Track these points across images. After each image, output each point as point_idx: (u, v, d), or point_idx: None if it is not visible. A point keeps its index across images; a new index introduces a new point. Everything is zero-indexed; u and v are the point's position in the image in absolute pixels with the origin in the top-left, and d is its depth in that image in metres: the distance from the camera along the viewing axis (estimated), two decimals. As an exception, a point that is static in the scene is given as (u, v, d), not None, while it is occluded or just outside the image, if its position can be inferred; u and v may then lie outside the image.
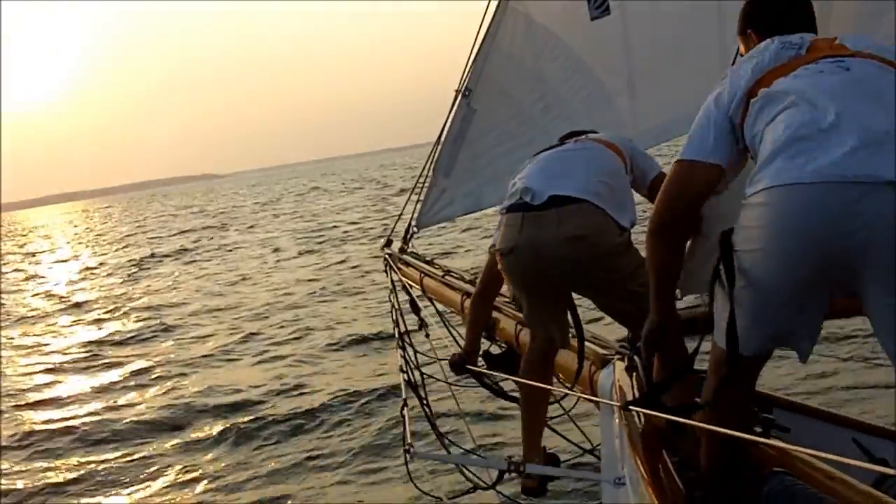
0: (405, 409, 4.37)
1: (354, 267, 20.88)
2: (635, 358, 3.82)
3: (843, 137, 2.46)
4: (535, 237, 3.90)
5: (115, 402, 11.34)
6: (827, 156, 2.45)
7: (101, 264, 33.05)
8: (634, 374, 3.76)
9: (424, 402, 5.20)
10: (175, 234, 41.58)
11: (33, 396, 12.11)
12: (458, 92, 6.51)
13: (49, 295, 25.09)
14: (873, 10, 3.78)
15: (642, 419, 3.14)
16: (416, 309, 5.84)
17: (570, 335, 4.45)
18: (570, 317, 4.31)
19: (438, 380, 5.30)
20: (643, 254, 3.26)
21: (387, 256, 6.66)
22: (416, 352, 5.44)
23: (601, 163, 4.07)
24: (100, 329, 17.45)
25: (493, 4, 6.31)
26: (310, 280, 19.88)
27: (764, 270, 2.58)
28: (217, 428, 9.64)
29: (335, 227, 33.14)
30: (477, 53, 6.43)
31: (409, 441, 3.88)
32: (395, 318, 5.72)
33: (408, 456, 3.79)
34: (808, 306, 2.61)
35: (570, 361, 4.32)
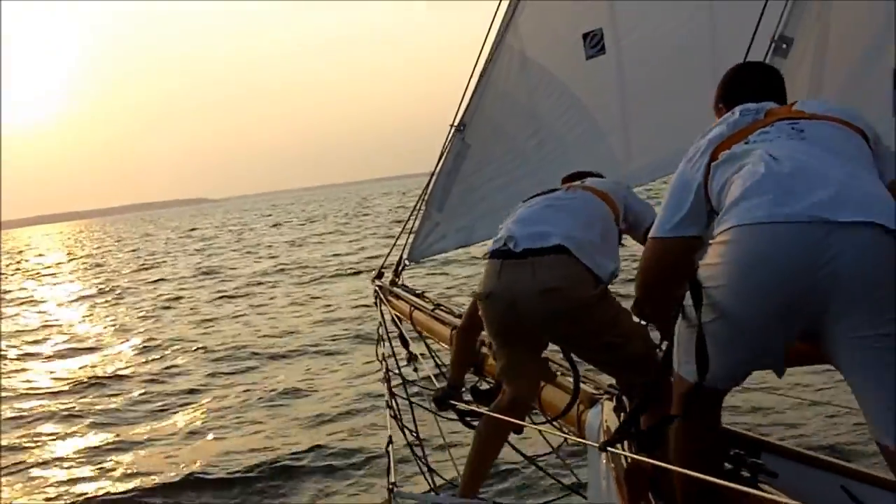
0: (390, 445, 4.33)
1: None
2: (624, 399, 3.82)
3: (806, 184, 2.59)
4: (511, 286, 3.91)
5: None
6: (792, 199, 2.56)
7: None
8: (622, 414, 3.75)
9: (413, 433, 5.18)
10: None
11: None
12: (453, 126, 6.54)
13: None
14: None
15: (628, 460, 3.12)
16: (404, 342, 5.81)
17: (559, 373, 4.45)
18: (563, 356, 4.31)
19: (426, 408, 5.25)
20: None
21: (377, 288, 6.65)
22: (404, 381, 5.40)
23: (589, 213, 4.09)
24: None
25: (490, 40, 6.34)
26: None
27: (731, 305, 2.65)
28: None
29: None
30: (474, 89, 6.46)
31: (392, 480, 3.86)
32: (382, 350, 5.68)
33: (391, 495, 3.76)
34: (771, 342, 2.68)
35: (557, 398, 4.30)
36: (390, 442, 4.41)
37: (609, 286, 3.97)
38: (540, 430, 4.10)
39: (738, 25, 4.24)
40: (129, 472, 9.01)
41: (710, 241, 2.74)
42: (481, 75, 6.46)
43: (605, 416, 3.79)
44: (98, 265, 43.66)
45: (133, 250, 52.81)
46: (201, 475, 8.55)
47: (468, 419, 4.69)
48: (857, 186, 2.61)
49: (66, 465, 9.55)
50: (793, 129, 2.86)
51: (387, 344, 5.80)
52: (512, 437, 4.98)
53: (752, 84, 3.24)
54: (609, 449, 2.95)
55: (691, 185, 2.95)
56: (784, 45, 3.77)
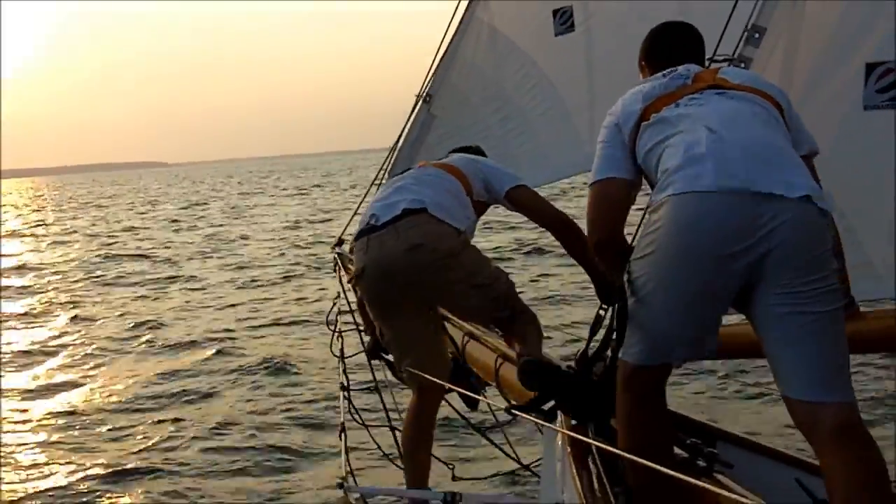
0: (344, 434, 4.29)
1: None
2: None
3: (735, 154, 2.72)
4: (379, 255, 4.11)
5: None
6: (723, 169, 2.69)
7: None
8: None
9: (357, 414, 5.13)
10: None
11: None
12: (419, 97, 6.49)
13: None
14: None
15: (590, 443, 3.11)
16: (362, 309, 5.77)
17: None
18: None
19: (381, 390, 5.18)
20: None
21: (336, 255, 6.59)
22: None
23: (440, 183, 4.32)
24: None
25: (459, 13, 6.28)
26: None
27: (668, 270, 2.77)
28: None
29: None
30: (440, 60, 6.40)
31: (344, 472, 3.83)
32: (336, 321, 5.59)
33: (342, 490, 3.74)
34: (706, 309, 2.81)
35: (516, 378, 4.29)
36: (343, 430, 4.37)
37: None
38: (489, 405, 4.09)
39: (711, 12, 4.22)
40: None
41: (648, 211, 2.85)
42: (449, 47, 6.41)
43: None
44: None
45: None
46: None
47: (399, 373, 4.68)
48: (787, 158, 2.78)
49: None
50: (721, 98, 2.97)
51: (339, 315, 5.70)
52: (467, 411, 4.99)
53: (675, 44, 3.35)
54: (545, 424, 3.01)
55: (623, 136, 3.06)
56: (756, 35, 3.75)
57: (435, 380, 4.07)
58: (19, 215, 54.98)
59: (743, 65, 3.77)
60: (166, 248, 26.57)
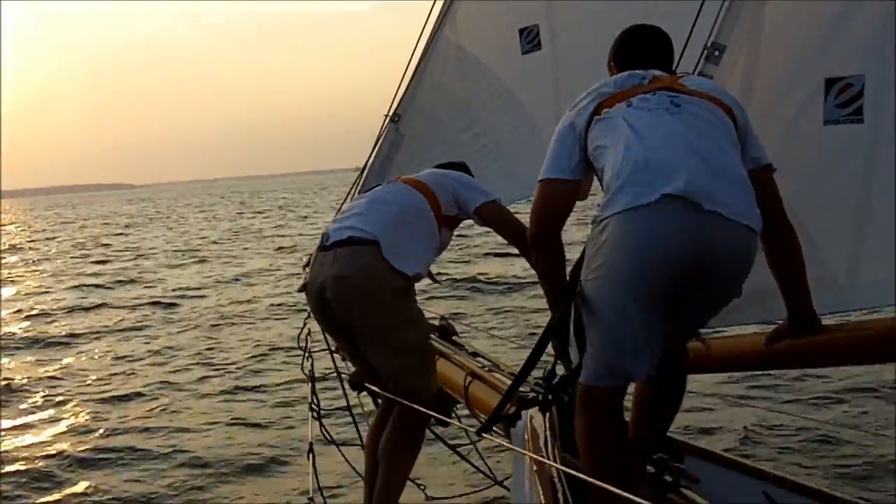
0: (312, 455, 4.27)
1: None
2: (550, 398, 3.83)
3: (680, 170, 2.80)
4: (317, 276, 4.15)
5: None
6: (668, 185, 2.77)
7: None
8: (548, 414, 3.77)
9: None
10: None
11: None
12: (387, 117, 6.50)
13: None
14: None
15: (555, 463, 3.13)
16: None
17: (486, 369, 4.46)
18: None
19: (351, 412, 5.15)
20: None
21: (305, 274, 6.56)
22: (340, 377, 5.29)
23: (401, 204, 4.30)
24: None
25: (427, 32, 6.31)
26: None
27: (613, 293, 2.87)
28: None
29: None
30: (410, 80, 6.42)
31: (312, 493, 3.81)
32: (307, 341, 5.58)
33: None
34: (650, 327, 2.90)
35: (488, 396, 4.30)
36: (311, 450, 4.35)
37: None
38: (465, 428, 4.10)
39: (674, 28, 4.26)
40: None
41: (594, 227, 2.95)
42: (417, 66, 6.43)
43: (530, 415, 3.80)
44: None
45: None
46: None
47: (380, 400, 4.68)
48: (727, 172, 2.87)
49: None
50: (671, 103, 3.05)
51: (309, 335, 5.68)
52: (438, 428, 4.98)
53: (643, 48, 3.47)
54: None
55: (574, 133, 3.19)
56: (716, 52, 3.79)
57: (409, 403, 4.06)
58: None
59: None
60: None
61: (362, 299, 4.05)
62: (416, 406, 3.90)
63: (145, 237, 40.82)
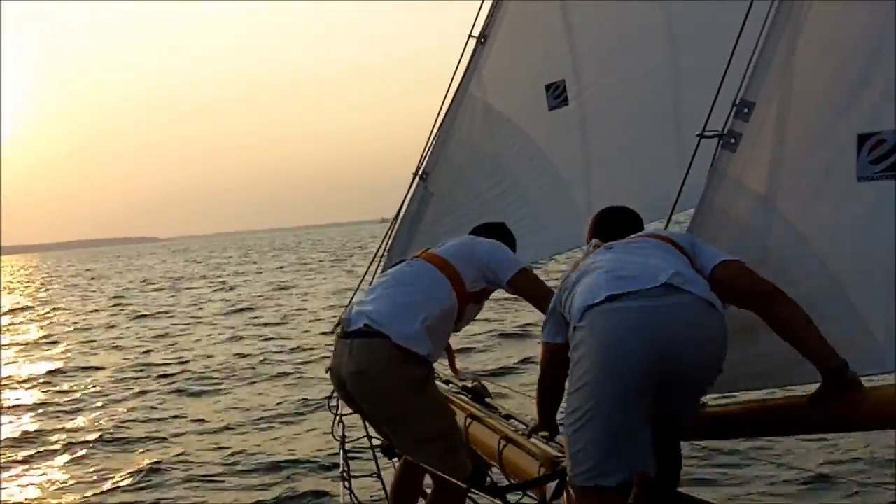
0: None
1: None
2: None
3: (635, 281, 3.22)
4: (337, 365, 4.22)
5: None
6: (635, 289, 3.20)
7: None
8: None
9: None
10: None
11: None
12: (415, 175, 6.50)
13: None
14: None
15: None
16: None
17: (521, 433, 4.39)
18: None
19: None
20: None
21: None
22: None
23: (421, 291, 4.29)
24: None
25: (453, 89, 6.32)
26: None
27: (595, 389, 3.11)
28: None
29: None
30: (436, 137, 6.43)
31: None
32: (338, 404, 5.51)
33: None
34: (639, 423, 3.11)
35: (522, 460, 4.23)
36: None
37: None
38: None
39: (701, 83, 4.24)
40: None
41: (570, 349, 3.28)
42: (443, 123, 6.43)
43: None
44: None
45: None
46: None
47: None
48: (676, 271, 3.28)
49: None
50: (626, 245, 3.60)
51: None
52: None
53: (613, 224, 4.05)
54: None
55: (559, 302, 3.55)
56: (745, 110, 3.74)
57: (452, 479, 4.01)
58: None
59: (733, 140, 3.77)
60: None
61: (380, 394, 4.11)
62: (447, 478, 3.94)
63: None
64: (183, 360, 18.43)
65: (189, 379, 16.01)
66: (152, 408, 13.71)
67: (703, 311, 3.19)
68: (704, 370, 3.25)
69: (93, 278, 65.25)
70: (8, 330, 28.80)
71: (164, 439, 11.50)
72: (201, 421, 12.41)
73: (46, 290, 55.67)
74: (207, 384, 15.30)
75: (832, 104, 3.64)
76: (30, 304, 41.89)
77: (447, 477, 3.95)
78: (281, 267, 55.34)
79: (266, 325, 23.89)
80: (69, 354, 21.19)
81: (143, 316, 29.42)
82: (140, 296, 40.62)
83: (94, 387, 16.04)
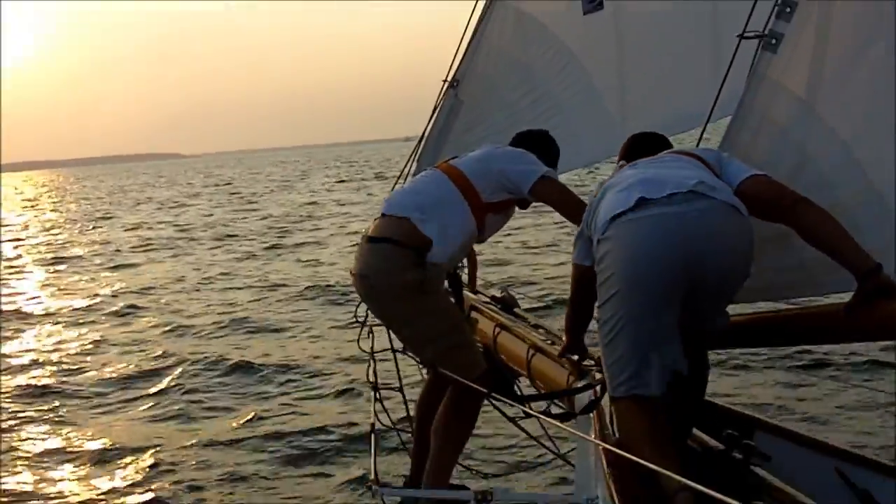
0: (374, 436, 4.24)
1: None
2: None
3: (657, 188, 3.18)
4: (354, 266, 4.39)
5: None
6: (659, 196, 3.15)
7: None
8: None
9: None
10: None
11: None
12: (445, 82, 6.38)
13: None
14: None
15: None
16: None
17: (549, 342, 4.37)
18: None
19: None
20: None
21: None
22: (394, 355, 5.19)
23: (432, 199, 4.33)
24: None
25: (484, -5, 6.18)
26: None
27: (624, 299, 3.10)
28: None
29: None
30: (467, 44, 6.29)
31: (373, 475, 3.78)
32: (366, 315, 5.48)
33: (371, 493, 3.71)
34: (670, 329, 3.10)
35: (551, 369, 4.21)
36: (373, 431, 4.32)
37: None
38: (525, 408, 4.03)
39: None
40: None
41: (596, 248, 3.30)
42: (475, 30, 6.29)
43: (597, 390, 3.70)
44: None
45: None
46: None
47: None
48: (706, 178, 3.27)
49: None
50: (651, 161, 3.58)
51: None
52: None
53: (642, 147, 3.91)
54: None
55: (587, 223, 3.51)
56: (788, 9, 3.60)
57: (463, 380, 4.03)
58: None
59: (774, 41, 3.64)
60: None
61: (378, 297, 4.31)
62: (464, 381, 3.96)
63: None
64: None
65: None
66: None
67: (728, 215, 3.16)
68: (731, 274, 3.21)
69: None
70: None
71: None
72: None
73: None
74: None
75: (879, 7, 3.49)
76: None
77: (461, 379, 4.01)
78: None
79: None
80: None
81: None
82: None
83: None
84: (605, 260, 3.20)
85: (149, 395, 10.36)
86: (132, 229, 33.17)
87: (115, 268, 21.97)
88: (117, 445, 8.51)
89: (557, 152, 4.70)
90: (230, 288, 17.43)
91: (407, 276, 4.12)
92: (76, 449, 8.55)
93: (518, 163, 4.40)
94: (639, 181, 3.27)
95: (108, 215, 42.56)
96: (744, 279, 3.24)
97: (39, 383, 10.98)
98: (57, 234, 34.29)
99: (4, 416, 9.61)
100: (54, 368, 11.74)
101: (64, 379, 11.15)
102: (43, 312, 16.22)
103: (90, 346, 13.07)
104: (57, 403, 10.11)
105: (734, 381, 8.26)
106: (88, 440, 8.82)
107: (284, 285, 17.01)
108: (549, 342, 4.42)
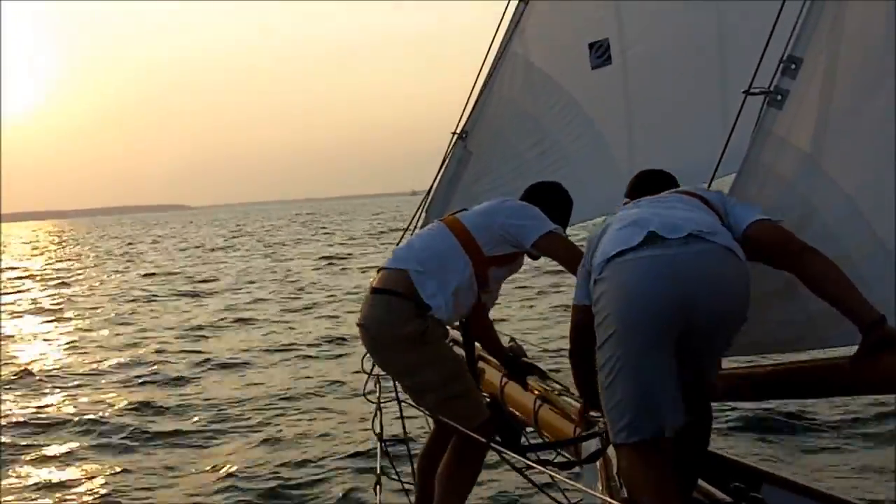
0: (379, 486, 4.26)
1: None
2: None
3: (655, 230, 3.20)
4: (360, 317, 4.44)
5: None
6: (656, 237, 3.18)
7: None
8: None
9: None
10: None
11: None
12: (454, 134, 6.44)
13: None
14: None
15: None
16: None
17: (556, 392, 4.38)
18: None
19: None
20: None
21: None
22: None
23: (433, 253, 4.38)
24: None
25: (495, 47, 6.25)
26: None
27: (620, 341, 3.11)
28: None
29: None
30: (477, 97, 6.36)
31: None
32: (371, 370, 5.48)
33: None
34: (667, 374, 3.08)
35: (558, 421, 4.22)
36: (378, 483, 4.39)
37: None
38: (525, 459, 4.03)
39: (747, 42, 4.15)
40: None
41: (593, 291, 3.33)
42: (485, 82, 6.36)
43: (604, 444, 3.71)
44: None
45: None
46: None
47: None
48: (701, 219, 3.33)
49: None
50: (653, 200, 3.60)
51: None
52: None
53: (647, 185, 4.04)
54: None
55: (587, 261, 3.51)
56: (793, 66, 3.66)
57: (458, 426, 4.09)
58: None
59: (780, 97, 3.69)
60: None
61: (380, 347, 4.38)
62: (466, 432, 4.02)
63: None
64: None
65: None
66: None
67: (724, 258, 3.18)
68: (727, 316, 3.22)
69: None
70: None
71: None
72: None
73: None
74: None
75: (882, 61, 3.54)
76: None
77: (461, 428, 4.07)
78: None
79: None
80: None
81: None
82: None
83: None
84: (601, 300, 3.23)
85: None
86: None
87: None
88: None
89: (570, 204, 4.75)
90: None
91: (408, 327, 4.19)
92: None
93: (520, 217, 4.45)
94: (638, 221, 3.31)
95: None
96: (740, 323, 3.25)
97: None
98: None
99: None
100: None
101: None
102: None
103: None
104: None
105: (740, 435, 8.21)
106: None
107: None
108: (556, 392, 4.43)
